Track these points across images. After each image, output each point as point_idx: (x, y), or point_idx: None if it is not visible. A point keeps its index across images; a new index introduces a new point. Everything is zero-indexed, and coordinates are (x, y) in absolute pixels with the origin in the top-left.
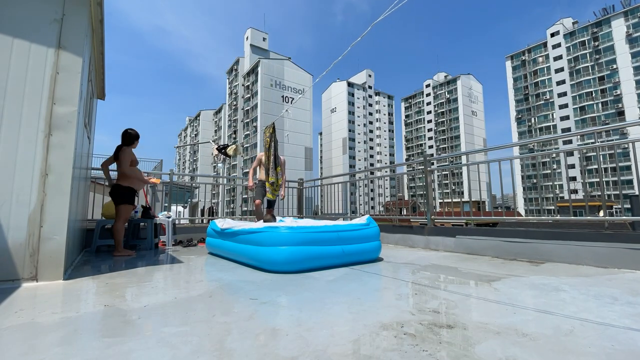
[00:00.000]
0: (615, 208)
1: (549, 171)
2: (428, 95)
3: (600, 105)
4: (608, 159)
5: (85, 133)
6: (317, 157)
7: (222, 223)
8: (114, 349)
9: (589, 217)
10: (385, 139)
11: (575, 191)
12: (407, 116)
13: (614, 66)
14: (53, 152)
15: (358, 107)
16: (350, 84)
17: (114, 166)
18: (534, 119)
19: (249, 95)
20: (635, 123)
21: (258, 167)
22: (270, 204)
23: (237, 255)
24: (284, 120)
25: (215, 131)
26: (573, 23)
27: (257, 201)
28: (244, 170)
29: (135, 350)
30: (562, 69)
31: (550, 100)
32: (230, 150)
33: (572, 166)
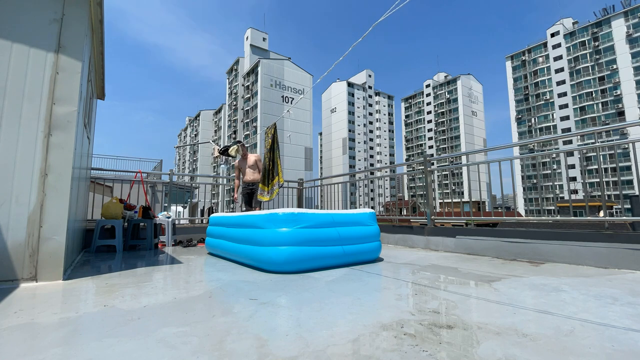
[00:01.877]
0: (616, 208)
1: (549, 171)
2: (428, 95)
3: (600, 105)
4: (608, 159)
5: (85, 133)
6: (317, 157)
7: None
8: (113, 349)
9: (589, 218)
10: (385, 139)
11: (576, 191)
12: (407, 116)
13: (614, 66)
14: (53, 152)
15: (358, 107)
16: (350, 84)
17: None
18: (534, 119)
19: (249, 96)
20: (635, 123)
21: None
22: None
23: (236, 255)
24: (285, 120)
25: (215, 131)
26: (573, 23)
27: (257, 209)
28: None
29: (135, 351)
30: (562, 69)
31: (551, 101)
32: (232, 151)
33: (572, 166)
